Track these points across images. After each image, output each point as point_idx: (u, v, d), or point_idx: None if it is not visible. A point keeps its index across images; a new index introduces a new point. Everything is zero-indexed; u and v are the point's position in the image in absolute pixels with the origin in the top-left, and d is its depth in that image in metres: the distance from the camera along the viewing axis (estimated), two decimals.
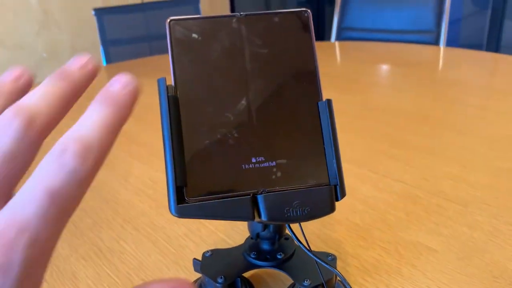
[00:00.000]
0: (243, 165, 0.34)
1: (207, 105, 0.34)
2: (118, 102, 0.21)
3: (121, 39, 1.73)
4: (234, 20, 0.36)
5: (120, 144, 0.87)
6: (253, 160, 0.34)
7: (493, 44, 2.46)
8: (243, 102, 0.35)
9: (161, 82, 0.33)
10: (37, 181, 0.17)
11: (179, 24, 0.35)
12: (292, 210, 0.33)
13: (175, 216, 0.33)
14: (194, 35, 0.35)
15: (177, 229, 0.60)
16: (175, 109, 0.33)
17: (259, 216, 0.33)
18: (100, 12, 1.68)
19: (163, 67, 1.52)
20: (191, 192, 0.33)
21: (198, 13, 1.77)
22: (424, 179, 0.68)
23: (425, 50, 1.47)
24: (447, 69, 1.23)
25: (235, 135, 0.34)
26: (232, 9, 2.89)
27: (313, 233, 0.57)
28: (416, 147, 0.78)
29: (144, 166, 0.78)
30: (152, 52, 1.77)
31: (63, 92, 0.22)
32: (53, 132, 0.22)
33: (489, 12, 2.47)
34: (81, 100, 0.94)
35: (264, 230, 0.45)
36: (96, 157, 0.19)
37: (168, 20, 0.35)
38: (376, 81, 1.17)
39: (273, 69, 0.36)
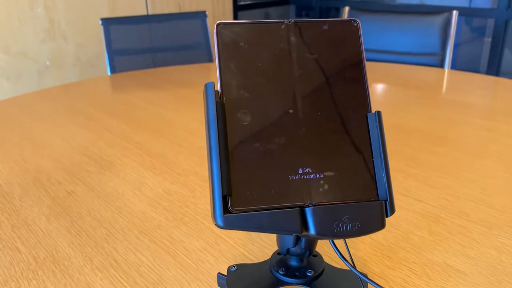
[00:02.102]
0: (289, 176, 0.33)
1: (253, 113, 0.33)
2: None
3: (127, 50, 1.72)
4: (283, 26, 0.35)
5: (132, 154, 0.85)
6: (300, 171, 0.33)
7: (493, 70, 2.48)
8: (290, 111, 0.34)
9: (209, 87, 0.32)
10: None
11: (226, 29, 0.34)
12: (342, 225, 0.32)
13: (219, 226, 0.31)
14: (242, 40, 0.34)
15: (195, 243, 0.58)
16: (222, 115, 0.32)
17: (307, 229, 0.32)
18: (107, 22, 1.68)
19: (170, 78, 1.52)
20: (236, 202, 0.32)
21: (205, 27, 1.77)
22: (445, 200, 0.67)
23: (432, 72, 1.48)
24: (455, 92, 1.24)
25: (282, 144, 0.33)
26: None
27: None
28: (434, 167, 0.77)
29: (157, 177, 0.76)
30: (156, 64, 1.76)
31: None
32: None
33: (490, 40, 2.51)
34: (86, 107, 0.94)
35: (295, 245, 0.43)
36: None
37: (216, 24, 0.34)
38: (386, 101, 1.16)
39: (322, 78, 0.35)
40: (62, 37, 2.10)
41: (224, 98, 0.33)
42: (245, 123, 0.33)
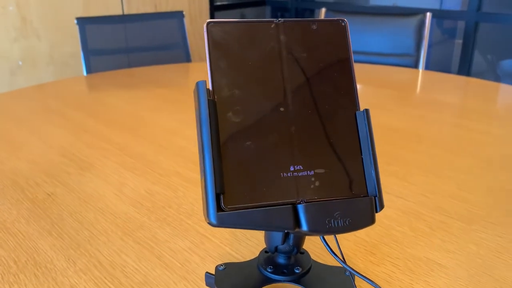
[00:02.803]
0: (281, 174, 0.33)
1: (244, 111, 0.33)
2: None
3: (103, 50, 1.70)
4: (272, 25, 0.35)
5: (112, 155, 0.84)
6: (291, 168, 0.33)
7: (465, 71, 2.55)
8: (281, 109, 0.34)
9: (201, 85, 0.32)
10: None
11: (216, 27, 0.34)
12: (333, 221, 0.32)
13: (213, 224, 0.31)
14: (232, 39, 0.34)
15: (180, 243, 0.58)
16: (214, 114, 0.32)
17: (299, 226, 0.32)
18: (83, 22, 1.65)
19: (147, 78, 1.50)
20: (229, 200, 0.32)
21: (183, 27, 1.76)
22: (424, 196, 0.69)
23: (406, 73, 1.51)
24: (429, 91, 1.27)
25: (273, 142, 0.33)
26: None
27: (321, 248, 0.56)
28: (412, 165, 0.79)
29: (139, 178, 0.76)
30: (133, 64, 1.74)
31: None
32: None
33: (461, 41, 2.58)
34: (62, 107, 0.93)
35: (283, 243, 0.44)
36: None
37: (206, 23, 0.34)
38: (363, 101, 1.18)
39: (311, 77, 0.35)
40: (35, 35, 2.05)
41: (216, 97, 0.33)
42: (237, 122, 0.33)
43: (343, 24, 0.36)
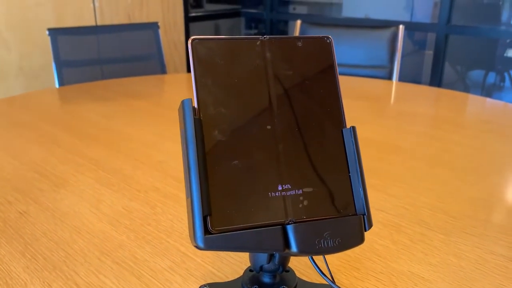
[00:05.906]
0: (269, 193, 0.32)
1: (231, 129, 0.33)
2: None
3: (76, 61, 1.66)
4: (258, 42, 0.35)
5: (86, 171, 0.82)
6: (280, 187, 0.33)
7: (436, 81, 2.62)
8: (268, 127, 0.34)
9: (186, 103, 0.31)
10: None
11: (201, 44, 0.33)
12: (323, 241, 0.32)
13: (200, 248, 0.30)
14: (217, 56, 0.34)
15: (160, 262, 0.56)
16: (199, 133, 0.31)
17: (288, 247, 0.32)
18: (55, 32, 1.61)
19: (122, 90, 1.48)
20: (216, 223, 0.31)
21: (158, 38, 1.74)
22: (404, 208, 0.69)
23: (381, 84, 1.54)
24: (404, 102, 1.29)
25: (260, 161, 0.33)
26: (187, 34, 2.89)
27: (305, 264, 0.56)
28: (391, 177, 0.80)
29: (115, 194, 0.74)
30: (107, 76, 1.71)
31: None
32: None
33: (431, 53, 2.65)
34: (34, 121, 0.91)
35: (269, 262, 0.43)
36: None
37: (190, 40, 0.33)
38: None
39: (298, 94, 0.35)
40: (4, 46, 1.99)
41: (201, 115, 0.32)
42: (223, 140, 0.32)
43: (328, 41, 0.36)
